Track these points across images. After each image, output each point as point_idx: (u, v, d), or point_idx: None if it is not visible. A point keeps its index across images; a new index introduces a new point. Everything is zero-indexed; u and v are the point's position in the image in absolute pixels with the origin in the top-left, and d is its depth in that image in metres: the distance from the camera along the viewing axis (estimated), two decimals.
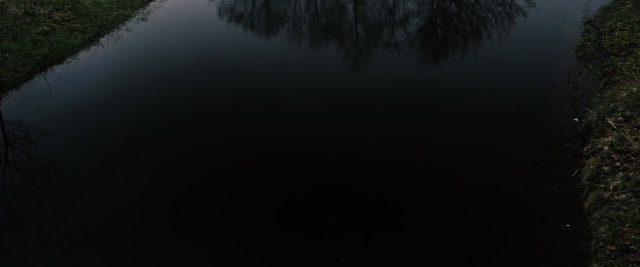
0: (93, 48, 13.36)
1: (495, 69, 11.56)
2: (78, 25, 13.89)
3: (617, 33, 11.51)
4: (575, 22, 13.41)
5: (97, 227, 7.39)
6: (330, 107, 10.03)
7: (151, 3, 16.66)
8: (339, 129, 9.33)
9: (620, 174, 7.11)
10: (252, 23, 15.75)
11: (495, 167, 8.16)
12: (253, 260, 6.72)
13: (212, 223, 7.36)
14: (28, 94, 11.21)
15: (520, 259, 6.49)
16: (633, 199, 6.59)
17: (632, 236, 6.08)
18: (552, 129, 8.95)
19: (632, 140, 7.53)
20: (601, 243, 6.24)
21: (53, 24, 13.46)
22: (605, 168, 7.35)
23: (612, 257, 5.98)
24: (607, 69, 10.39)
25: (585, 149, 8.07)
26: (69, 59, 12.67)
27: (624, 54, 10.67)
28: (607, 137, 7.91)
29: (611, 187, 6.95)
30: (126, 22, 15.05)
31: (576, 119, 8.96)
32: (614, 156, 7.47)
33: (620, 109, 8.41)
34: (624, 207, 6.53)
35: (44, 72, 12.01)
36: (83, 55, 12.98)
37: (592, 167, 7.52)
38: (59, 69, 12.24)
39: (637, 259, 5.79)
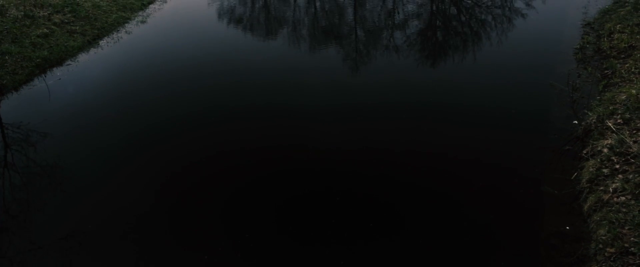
0: (93, 51, 13.37)
1: (495, 71, 11.57)
2: (78, 27, 13.91)
3: (616, 35, 11.53)
4: (575, 24, 13.43)
5: (96, 229, 7.38)
6: (330, 109, 10.03)
7: (151, 6, 16.68)
8: (338, 130, 9.32)
9: (620, 176, 7.11)
10: (252, 25, 15.77)
11: (494, 169, 8.16)
12: (252, 263, 6.71)
13: (211, 226, 7.35)
14: (27, 96, 11.21)
15: (520, 262, 6.48)
16: (632, 202, 6.59)
17: (632, 239, 6.07)
18: (551, 132, 8.95)
19: (631, 142, 7.53)
20: (601, 245, 6.23)
21: (53, 27, 13.47)
22: (605, 170, 7.35)
23: (611, 259, 5.97)
24: (606, 71, 10.40)
25: (584, 152, 8.07)
26: (69, 62, 12.68)
27: (623, 56, 10.68)
28: (607, 139, 7.91)
29: (611, 189, 6.94)
30: (126, 24, 15.06)
31: (575, 122, 8.96)
32: (613, 158, 7.47)
33: (619, 112, 8.41)
34: (624, 210, 6.53)
35: (43, 75, 12.01)
36: (82, 57, 12.99)
37: (591, 169, 7.52)
38: (58, 71, 12.25)
39: (637, 261, 5.78)
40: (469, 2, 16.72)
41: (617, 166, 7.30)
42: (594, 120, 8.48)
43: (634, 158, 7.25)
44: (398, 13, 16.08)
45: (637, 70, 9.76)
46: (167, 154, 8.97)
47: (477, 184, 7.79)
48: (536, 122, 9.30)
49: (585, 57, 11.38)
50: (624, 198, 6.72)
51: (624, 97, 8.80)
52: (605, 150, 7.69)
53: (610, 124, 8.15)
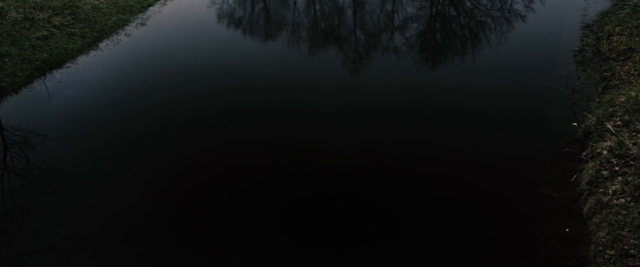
0: (92, 53, 13.37)
1: (494, 73, 11.57)
2: (77, 30, 13.91)
3: (615, 38, 11.54)
4: (574, 26, 13.44)
5: (95, 231, 7.38)
6: (330, 111, 10.03)
7: (150, 8, 16.69)
8: (337, 133, 9.32)
9: (619, 178, 7.11)
10: (252, 28, 15.78)
11: (494, 171, 8.16)
12: (252, 266, 6.71)
13: (210, 229, 7.35)
14: (27, 98, 11.21)
15: (520, 264, 6.47)
16: (632, 204, 6.59)
17: (631, 240, 6.07)
18: (551, 134, 8.95)
19: (631, 144, 7.53)
20: (600, 247, 6.23)
21: (52, 29, 13.48)
22: (604, 172, 7.35)
23: (611, 261, 5.97)
24: (605, 73, 10.41)
25: (584, 154, 8.07)
26: (68, 64, 12.68)
27: (622, 58, 10.69)
28: (606, 141, 7.91)
29: (610, 191, 6.94)
30: (125, 27, 15.07)
31: (575, 124, 8.97)
32: (612, 160, 7.47)
33: (619, 114, 8.42)
34: (623, 212, 6.53)
35: (43, 77, 12.01)
36: (82, 60, 12.99)
37: (591, 171, 7.52)
38: (58, 73, 12.25)
39: (637, 263, 5.78)
40: (469, 4, 16.74)
41: (617, 168, 7.30)
42: (593, 123, 8.48)
43: (634, 160, 7.25)
44: (397, 15, 16.09)
45: (637, 72, 9.77)
46: (167, 157, 8.97)
47: (477, 186, 7.79)
48: (536, 124, 9.31)
49: (584, 60, 11.39)
50: (623, 200, 6.72)
51: (623, 99, 8.81)
52: (605, 152, 7.69)
53: (609, 126, 8.15)
